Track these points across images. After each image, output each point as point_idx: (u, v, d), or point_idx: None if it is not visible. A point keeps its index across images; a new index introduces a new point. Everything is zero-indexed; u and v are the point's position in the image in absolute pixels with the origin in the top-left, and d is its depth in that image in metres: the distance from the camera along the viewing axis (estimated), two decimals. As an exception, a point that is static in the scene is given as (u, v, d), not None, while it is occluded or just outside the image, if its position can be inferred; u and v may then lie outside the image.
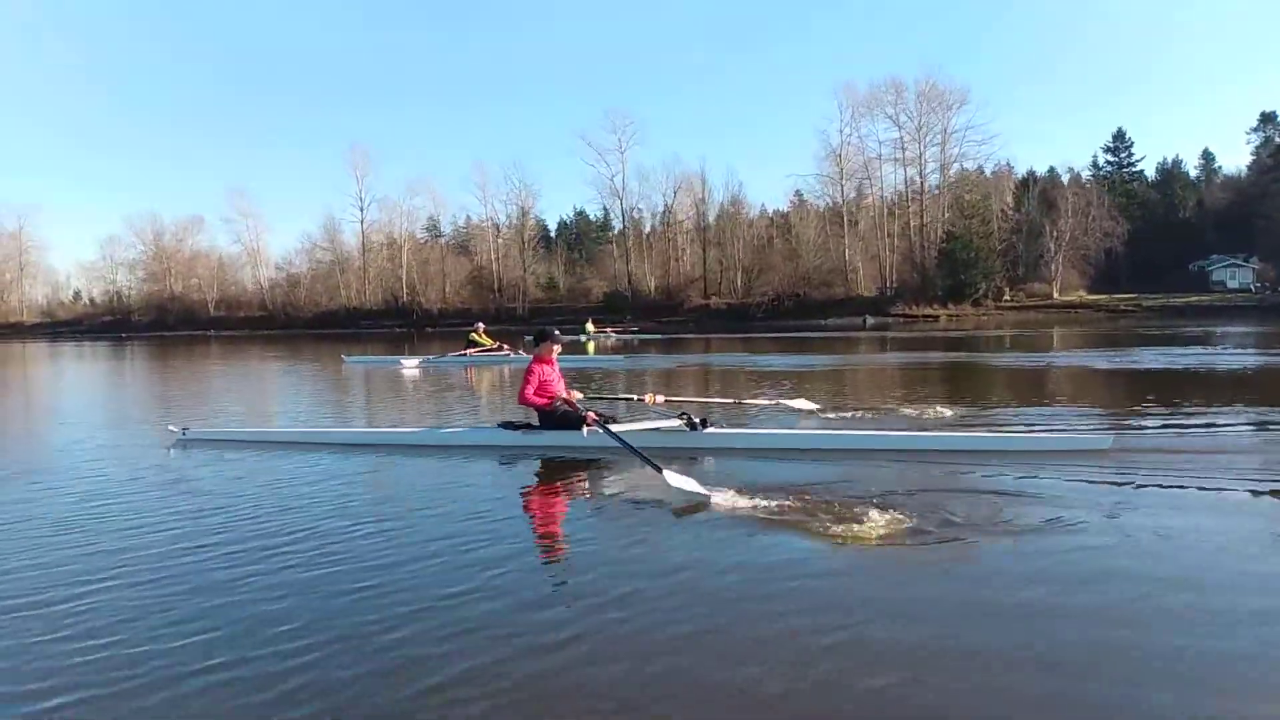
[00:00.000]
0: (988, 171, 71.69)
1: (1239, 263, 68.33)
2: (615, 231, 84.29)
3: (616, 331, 38.00)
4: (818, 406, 9.31)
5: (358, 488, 6.09)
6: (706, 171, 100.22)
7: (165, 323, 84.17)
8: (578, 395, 7.51)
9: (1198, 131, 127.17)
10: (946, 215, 66.60)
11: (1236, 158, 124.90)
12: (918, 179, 69.39)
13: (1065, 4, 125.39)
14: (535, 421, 7.44)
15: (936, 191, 68.43)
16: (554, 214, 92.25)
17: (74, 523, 5.15)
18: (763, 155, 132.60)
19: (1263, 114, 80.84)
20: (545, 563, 4.26)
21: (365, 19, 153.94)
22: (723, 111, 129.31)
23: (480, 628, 3.26)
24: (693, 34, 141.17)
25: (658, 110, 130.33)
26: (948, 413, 8.84)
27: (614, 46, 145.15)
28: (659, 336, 38.63)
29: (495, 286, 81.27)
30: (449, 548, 4.39)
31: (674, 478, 5.32)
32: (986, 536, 4.29)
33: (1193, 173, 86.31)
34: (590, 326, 36.61)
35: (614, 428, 6.67)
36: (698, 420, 7.07)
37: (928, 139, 67.63)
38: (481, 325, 22.54)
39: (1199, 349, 19.96)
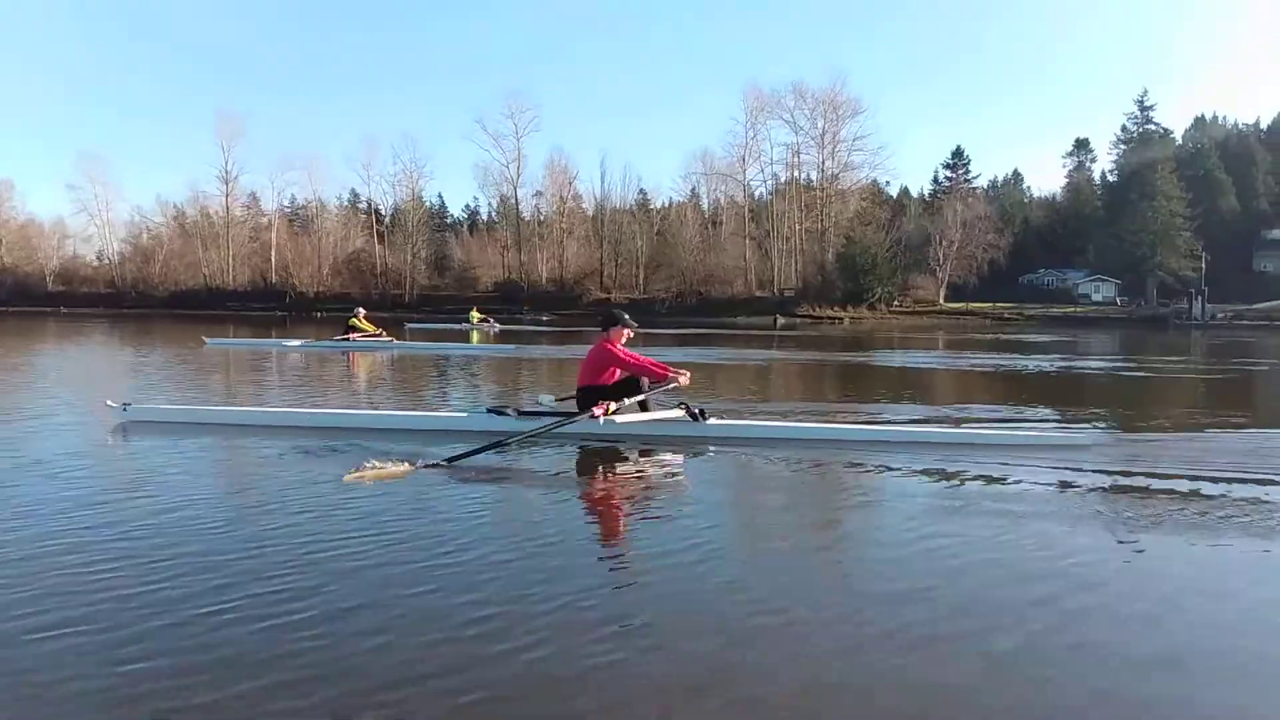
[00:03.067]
0: (879, 181, 73.84)
1: (1103, 278, 73.00)
2: (454, 219, 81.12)
3: (499, 320, 37.34)
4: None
5: (330, 476, 5.22)
6: (605, 164, 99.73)
7: (-6, 297, 74.82)
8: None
9: (1008, 152, 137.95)
10: (835, 220, 68.03)
11: (1046, 179, 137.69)
12: (815, 183, 70.63)
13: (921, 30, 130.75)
14: (522, 407, 7.49)
15: (830, 196, 69.71)
16: (388, 200, 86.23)
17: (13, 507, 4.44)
18: (662, 150, 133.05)
19: (1077, 140, 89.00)
20: (544, 550, 3.88)
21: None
22: (621, 104, 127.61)
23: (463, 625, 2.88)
24: (589, 21, 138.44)
25: (552, 98, 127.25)
26: (929, 410, 9.43)
27: (504, 30, 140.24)
28: (543, 329, 38.09)
29: (378, 271, 76.78)
30: (432, 541, 3.93)
31: None
32: (986, 525, 4.30)
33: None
34: (475, 315, 36.63)
35: (624, 417, 6.85)
36: (697, 410, 7.05)
37: (827, 146, 68.91)
38: (362, 311, 21.88)
39: (1113, 357, 22.08)
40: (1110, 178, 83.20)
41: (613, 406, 6.82)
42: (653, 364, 7.26)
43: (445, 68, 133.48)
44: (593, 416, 6.65)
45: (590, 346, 7.45)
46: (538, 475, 5.65)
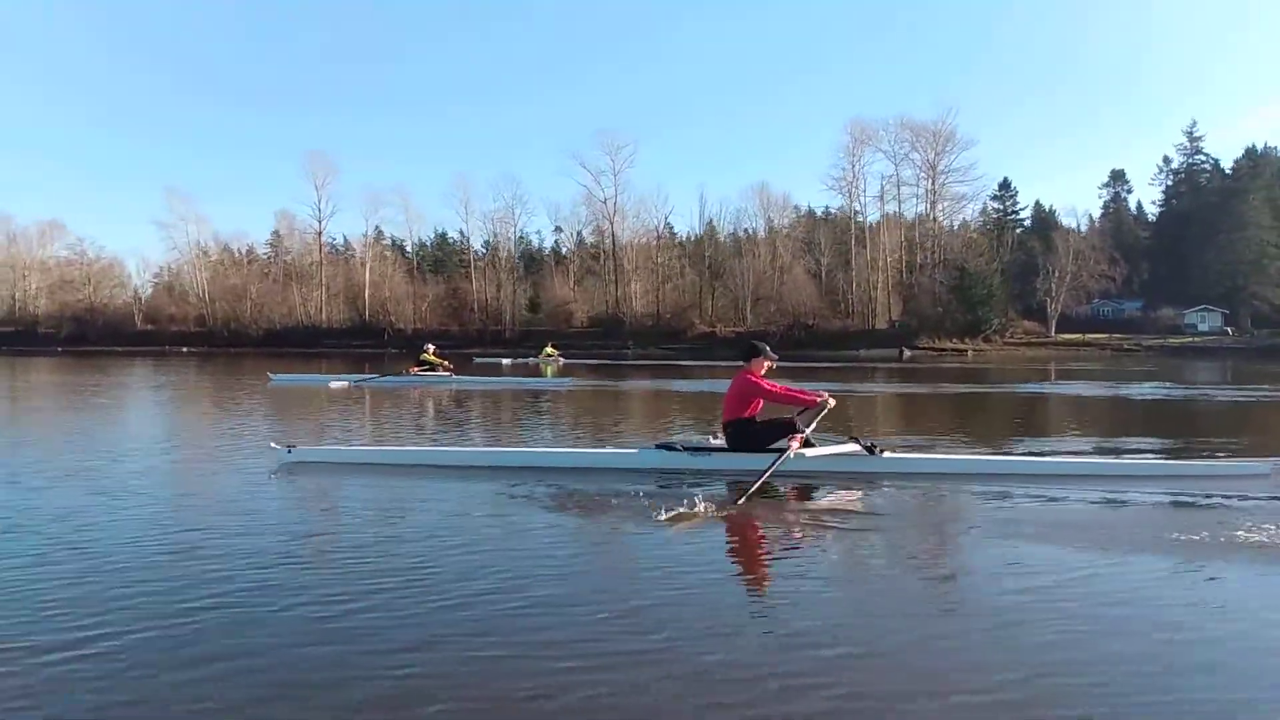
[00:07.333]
0: (979, 212, 73.63)
1: (1210, 308, 72.27)
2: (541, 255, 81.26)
3: (562, 355, 37.69)
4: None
5: (502, 514, 5.51)
6: (705, 196, 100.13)
7: (86, 337, 74.63)
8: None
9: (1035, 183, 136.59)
10: (942, 250, 67.65)
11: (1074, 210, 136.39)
12: (924, 214, 70.45)
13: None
14: (685, 443, 7.41)
15: (933, 227, 69.43)
16: (419, 233, 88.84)
17: (184, 549, 4.55)
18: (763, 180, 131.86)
19: (1113, 171, 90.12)
20: (737, 591, 4.00)
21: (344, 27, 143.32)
22: (720, 138, 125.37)
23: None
24: (690, 61, 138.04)
25: (648, 132, 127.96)
26: (1131, 442, 9.29)
27: (603, 67, 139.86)
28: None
29: (476, 307, 76.46)
30: (613, 578, 4.09)
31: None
32: (1174, 559, 4.28)
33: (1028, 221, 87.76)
34: (548, 350, 37.19)
35: (807, 452, 6.75)
36: (870, 444, 7.07)
37: (939, 177, 68.74)
38: (431, 347, 22.48)
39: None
40: (1151, 208, 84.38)
41: (807, 434, 6.81)
42: (800, 392, 7.21)
43: (538, 110, 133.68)
44: (792, 451, 6.52)
45: (731, 379, 7.36)
46: (714, 515, 5.43)
